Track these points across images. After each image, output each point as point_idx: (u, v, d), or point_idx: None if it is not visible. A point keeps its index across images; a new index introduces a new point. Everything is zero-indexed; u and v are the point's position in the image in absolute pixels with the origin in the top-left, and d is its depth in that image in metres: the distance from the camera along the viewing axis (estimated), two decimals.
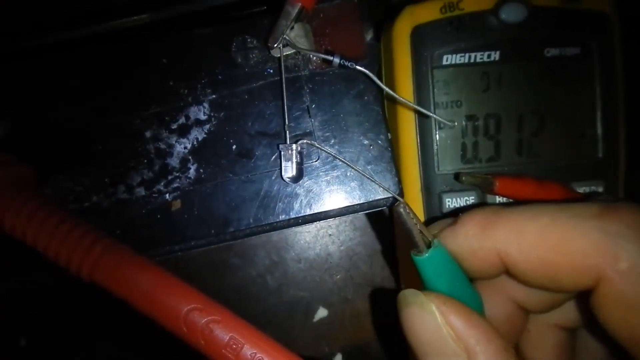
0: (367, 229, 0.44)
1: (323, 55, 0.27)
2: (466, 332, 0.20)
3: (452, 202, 0.33)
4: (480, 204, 0.33)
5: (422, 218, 0.33)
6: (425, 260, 0.22)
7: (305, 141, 0.28)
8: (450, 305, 0.21)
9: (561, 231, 0.20)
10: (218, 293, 0.43)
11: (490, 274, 0.23)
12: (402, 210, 0.22)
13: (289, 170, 0.28)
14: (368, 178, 0.28)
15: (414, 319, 0.21)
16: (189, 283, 0.42)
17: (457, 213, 0.32)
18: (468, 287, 0.24)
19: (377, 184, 0.28)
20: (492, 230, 0.22)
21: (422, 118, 0.32)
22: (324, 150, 0.28)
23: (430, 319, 0.21)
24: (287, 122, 0.28)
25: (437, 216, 0.33)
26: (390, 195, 0.28)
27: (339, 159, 0.28)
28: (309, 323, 0.43)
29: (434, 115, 0.30)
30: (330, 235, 0.44)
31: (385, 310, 0.43)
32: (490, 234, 0.22)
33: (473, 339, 0.20)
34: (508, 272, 0.23)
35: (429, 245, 0.23)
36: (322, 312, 0.43)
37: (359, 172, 0.28)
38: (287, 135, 0.28)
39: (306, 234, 0.44)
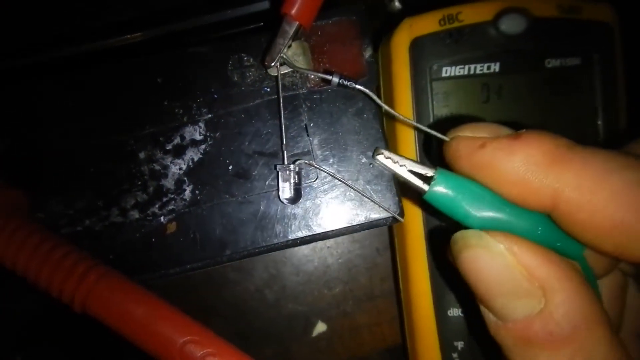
0: (365, 241, 0.43)
1: (322, 75, 0.26)
2: (541, 270, 0.19)
3: None
4: None
5: None
6: (436, 195, 0.20)
7: (303, 161, 0.27)
8: (522, 244, 0.19)
9: None
10: (216, 308, 0.43)
11: (527, 207, 0.20)
12: (380, 158, 0.20)
13: (287, 191, 0.27)
14: (368, 198, 0.27)
15: (479, 262, 0.19)
16: (188, 298, 0.41)
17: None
18: (520, 212, 0.21)
19: (377, 203, 0.27)
20: (563, 167, 0.19)
21: (421, 132, 0.32)
22: (323, 170, 0.27)
23: (500, 260, 0.19)
24: (284, 142, 0.27)
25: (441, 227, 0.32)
26: (390, 215, 0.27)
27: (337, 179, 0.27)
28: (307, 338, 0.43)
29: (431, 131, 0.29)
30: (328, 247, 0.43)
31: (385, 324, 0.43)
32: (558, 170, 0.19)
33: (551, 277, 0.18)
34: (553, 214, 0.20)
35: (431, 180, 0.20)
36: (321, 327, 0.43)
37: (358, 191, 0.27)
38: (285, 155, 0.27)
39: (304, 247, 0.43)
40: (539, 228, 0.21)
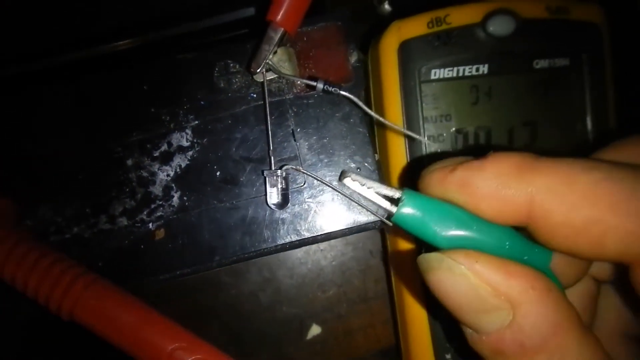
0: (359, 244, 0.43)
1: (306, 81, 0.26)
2: (506, 285, 0.19)
3: None
4: None
5: None
6: (404, 217, 0.20)
7: (289, 166, 0.27)
8: (484, 261, 0.19)
9: (621, 190, 0.18)
10: (210, 311, 0.43)
11: (502, 222, 0.21)
12: (348, 183, 0.20)
13: (274, 196, 0.27)
14: (355, 202, 0.27)
15: (444, 284, 0.19)
16: (182, 301, 0.42)
17: None
18: (485, 226, 0.21)
19: (365, 208, 0.27)
20: (533, 174, 0.19)
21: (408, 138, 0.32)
22: (309, 175, 0.27)
23: (463, 280, 0.19)
24: (271, 147, 0.27)
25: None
26: (378, 219, 0.28)
27: (324, 183, 0.27)
28: (302, 340, 0.43)
29: (419, 137, 0.29)
30: (322, 250, 0.43)
31: (379, 326, 0.43)
32: (529, 177, 0.19)
33: (514, 290, 0.18)
34: (529, 226, 0.20)
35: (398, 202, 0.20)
36: (315, 329, 0.43)
37: (345, 196, 0.27)
38: (272, 161, 0.27)
39: (298, 250, 0.43)
40: (507, 243, 0.21)
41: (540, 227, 0.20)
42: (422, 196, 0.21)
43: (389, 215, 0.21)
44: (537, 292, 0.18)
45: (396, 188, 0.21)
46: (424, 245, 0.22)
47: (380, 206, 0.21)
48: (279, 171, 0.27)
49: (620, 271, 0.19)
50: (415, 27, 0.32)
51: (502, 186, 0.19)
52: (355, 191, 0.21)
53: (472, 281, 0.19)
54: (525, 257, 0.21)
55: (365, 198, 0.21)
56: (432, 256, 0.20)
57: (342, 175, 0.21)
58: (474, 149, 0.33)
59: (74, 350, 0.41)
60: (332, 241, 0.43)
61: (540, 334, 0.18)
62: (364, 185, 0.21)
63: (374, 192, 0.21)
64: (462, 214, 0.21)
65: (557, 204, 0.18)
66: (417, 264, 0.21)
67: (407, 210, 0.21)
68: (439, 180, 0.21)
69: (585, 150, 0.32)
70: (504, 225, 0.21)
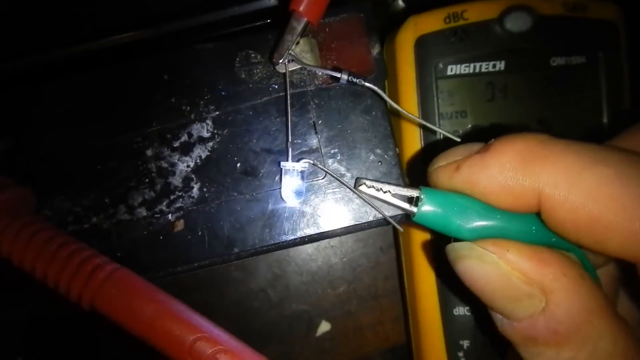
0: (369, 240, 0.43)
1: (330, 72, 0.26)
2: (536, 272, 0.18)
3: None
4: None
5: None
6: (426, 215, 0.20)
7: (307, 160, 0.27)
8: (514, 249, 0.19)
9: (627, 191, 0.17)
10: (219, 308, 0.43)
11: (518, 211, 0.20)
12: (364, 189, 0.20)
13: (288, 189, 0.27)
14: (367, 202, 0.27)
15: (475, 272, 0.19)
16: (192, 297, 0.41)
17: None
18: (511, 215, 0.20)
19: (379, 211, 0.27)
20: (538, 166, 0.18)
21: (426, 130, 0.32)
22: (325, 171, 0.27)
23: (494, 269, 0.19)
24: (290, 140, 0.27)
25: None
26: (398, 213, 0.27)
27: (338, 180, 0.27)
28: (311, 338, 0.43)
29: (439, 130, 0.29)
30: (332, 246, 0.43)
31: (389, 323, 0.42)
32: (534, 170, 0.19)
33: (547, 277, 0.18)
34: (540, 214, 0.20)
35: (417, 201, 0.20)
36: (324, 326, 0.43)
37: (362, 198, 0.27)
38: (290, 153, 0.27)
39: (308, 246, 0.43)
40: (533, 228, 0.21)
41: (548, 219, 0.19)
42: (439, 192, 0.21)
43: (410, 215, 0.21)
44: (569, 279, 0.18)
45: (413, 187, 0.21)
46: (445, 239, 0.22)
47: (400, 208, 0.21)
48: (296, 164, 0.27)
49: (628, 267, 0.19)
50: (431, 22, 0.32)
51: (509, 181, 0.19)
52: (372, 196, 0.21)
53: (503, 269, 0.19)
54: (554, 239, 0.21)
55: (383, 201, 0.21)
56: (462, 245, 0.20)
57: (357, 183, 0.21)
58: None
59: (75, 349, 0.41)
60: (343, 237, 0.43)
61: (573, 320, 0.18)
62: (380, 189, 0.21)
63: (391, 195, 0.21)
64: (482, 204, 0.21)
65: (562, 200, 0.18)
66: (445, 253, 0.21)
67: (428, 208, 0.21)
68: (447, 178, 0.21)
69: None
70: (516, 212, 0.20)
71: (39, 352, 0.41)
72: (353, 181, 0.27)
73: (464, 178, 0.20)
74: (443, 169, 0.21)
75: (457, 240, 0.21)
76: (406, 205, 0.21)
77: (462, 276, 0.20)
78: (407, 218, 0.22)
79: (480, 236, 0.20)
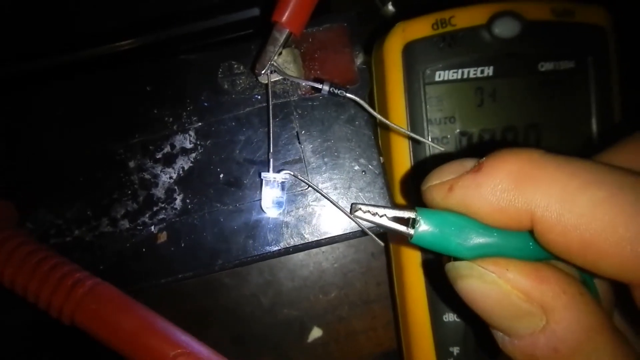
0: (361, 246, 0.43)
1: (312, 83, 0.26)
2: (538, 291, 0.18)
3: None
4: None
5: None
6: (423, 236, 0.20)
7: (287, 172, 0.27)
8: (513, 268, 0.19)
9: (620, 215, 0.17)
10: (211, 313, 0.42)
11: (513, 230, 0.20)
12: (359, 214, 0.20)
13: (268, 200, 0.27)
14: (347, 215, 0.27)
15: (475, 292, 0.19)
16: (183, 303, 0.41)
17: None
18: (507, 232, 0.20)
19: (356, 222, 0.27)
20: (530, 187, 0.18)
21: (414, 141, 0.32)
22: (305, 182, 0.27)
23: (494, 288, 0.19)
24: (271, 150, 0.27)
25: None
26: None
27: (319, 192, 0.27)
28: (303, 343, 0.42)
29: (426, 141, 0.29)
30: (323, 252, 0.43)
31: (381, 329, 0.42)
32: (527, 191, 0.18)
33: (546, 296, 0.18)
34: (534, 233, 0.19)
35: (414, 223, 0.20)
36: (316, 332, 0.43)
37: (337, 207, 0.27)
38: (271, 164, 0.27)
39: (299, 252, 0.43)
40: (530, 243, 0.20)
41: (540, 239, 0.19)
42: (435, 212, 0.21)
43: (408, 237, 0.20)
44: (568, 297, 0.18)
45: (408, 209, 0.21)
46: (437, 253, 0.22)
47: (397, 231, 0.20)
48: (276, 175, 0.27)
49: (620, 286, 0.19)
50: (419, 28, 0.32)
51: (501, 202, 0.19)
52: (368, 221, 0.21)
53: (503, 288, 0.19)
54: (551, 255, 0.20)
55: (380, 225, 0.21)
56: (462, 264, 0.20)
57: (352, 209, 0.20)
58: (478, 150, 0.32)
59: (73, 353, 0.41)
60: (334, 243, 0.43)
61: (574, 337, 0.18)
62: (375, 214, 0.21)
63: (387, 218, 0.21)
64: (479, 223, 0.20)
65: (554, 223, 0.18)
66: (445, 272, 0.21)
67: (425, 228, 0.20)
68: (441, 198, 0.21)
69: (591, 151, 0.32)
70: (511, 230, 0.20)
71: (38, 355, 0.41)
72: (341, 188, 0.27)
73: (457, 199, 0.20)
74: (436, 188, 0.21)
75: (456, 259, 0.21)
76: (403, 228, 0.21)
77: (463, 295, 0.20)
78: (405, 241, 0.21)
79: (479, 254, 0.20)
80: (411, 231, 0.21)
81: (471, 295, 0.20)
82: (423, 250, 0.32)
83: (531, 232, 0.20)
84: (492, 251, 0.20)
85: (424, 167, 0.32)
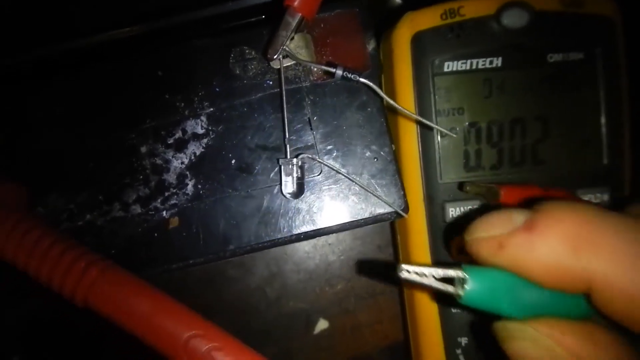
0: (367, 238, 0.43)
1: (325, 67, 0.26)
2: (594, 357, 0.18)
3: (455, 211, 0.32)
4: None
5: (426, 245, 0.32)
6: (472, 296, 0.19)
7: (305, 155, 0.27)
8: (567, 332, 0.18)
9: None
10: (216, 306, 0.42)
11: (565, 292, 0.19)
12: (405, 275, 0.19)
13: (289, 185, 0.27)
14: (371, 193, 0.27)
15: (526, 355, 0.19)
16: (188, 295, 0.41)
17: (461, 223, 0.32)
18: (555, 293, 0.20)
19: (380, 198, 0.27)
20: (588, 252, 0.18)
21: (423, 127, 0.32)
22: (326, 165, 0.27)
23: (547, 353, 0.18)
24: (287, 136, 0.27)
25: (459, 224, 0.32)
26: (393, 209, 0.27)
27: (341, 173, 0.27)
28: (309, 335, 0.42)
29: (436, 126, 0.29)
30: (329, 244, 0.43)
31: (387, 322, 0.42)
32: (585, 256, 0.18)
33: (593, 356, 0.18)
34: (591, 297, 0.19)
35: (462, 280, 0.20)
36: (322, 324, 0.42)
37: (362, 186, 0.27)
38: (288, 149, 0.27)
39: (305, 244, 0.43)
40: (580, 302, 0.20)
41: (597, 303, 0.19)
42: (483, 270, 0.20)
43: (456, 297, 0.20)
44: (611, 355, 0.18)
45: (455, 267, 0.20)
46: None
47: (445, 291, 0.20)
48: (295, 160, 0.27)
49: None
50: (428, 18, 0.32)
51: (557, 265, 0.18)
52: (415, 282, 0.20)
53: (557, 353, 0.18)
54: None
55: (427, 287, 0.20)
56: (514, 327, 0.19)
57: (397, 269, 0.20)
58: (487, 140, 0.32)
59: (71, 349, 0.41)
60: (341, 235, 0.42)
61: None
62: (422, 274, 0.20)
63: (433, 278, 0.20)
64: (527, 281, 0.20)
65: (617, 292, 0.17)
66: (493, 330, 0.20)
67: (474, 288, 0.20)
68: (490, 255, 0.20)
69: (599, 143, 0.32)
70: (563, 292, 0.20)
71: (35, 352, 0.41)
72: (352, 174, 0.27)
73: (509, 258, 0.19)
74: (485, 243, 0.20)
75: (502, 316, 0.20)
76: (451, 289, 0.20)
77: (512, 356, 0.19)
78: (453, 300, 0.21)
79: (529, 314, 0.20)
80: (460, 292, 0.20)
81: (523, 356, 0.19)
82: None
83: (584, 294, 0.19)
84: (542, 311, 0.20)
85: (432, 152, 0.32)
